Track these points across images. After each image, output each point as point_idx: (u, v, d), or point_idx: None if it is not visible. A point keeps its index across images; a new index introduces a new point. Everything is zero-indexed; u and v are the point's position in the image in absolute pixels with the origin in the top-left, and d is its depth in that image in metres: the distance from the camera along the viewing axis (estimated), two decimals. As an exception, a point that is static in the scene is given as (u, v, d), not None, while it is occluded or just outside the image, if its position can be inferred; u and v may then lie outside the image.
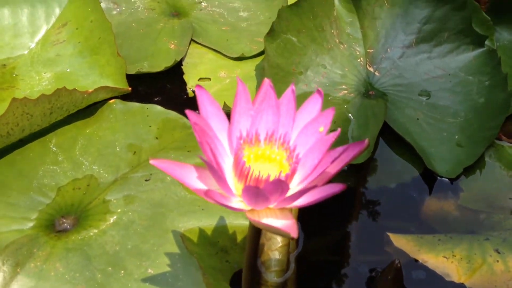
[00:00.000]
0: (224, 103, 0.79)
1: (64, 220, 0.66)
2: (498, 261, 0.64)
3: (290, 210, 0.44)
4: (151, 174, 0.71)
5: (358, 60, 0.87)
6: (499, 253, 0.65)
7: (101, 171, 0.72)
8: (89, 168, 0.72)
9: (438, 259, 0.65)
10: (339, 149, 0.42)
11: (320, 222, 0.71)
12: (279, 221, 0.42)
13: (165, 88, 0.86)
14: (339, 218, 0.72)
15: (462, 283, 0.61)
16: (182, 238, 0.64)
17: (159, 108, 0.79)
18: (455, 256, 0.65)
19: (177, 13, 0.96)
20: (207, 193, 0.40)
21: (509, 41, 0.90)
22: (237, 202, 0.43)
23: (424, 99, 0.82)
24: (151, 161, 0.43)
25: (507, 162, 0.76)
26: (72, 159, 0.73)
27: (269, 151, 0.46)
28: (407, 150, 0.77)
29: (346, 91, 0.84)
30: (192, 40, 0.92)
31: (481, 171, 0.75)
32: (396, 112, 0.81)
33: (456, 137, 0.78)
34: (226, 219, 0.67)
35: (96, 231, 0.65)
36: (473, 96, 0.81)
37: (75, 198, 0.69)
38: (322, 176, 0.43)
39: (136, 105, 0.80)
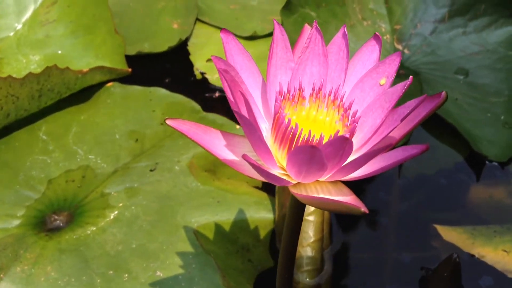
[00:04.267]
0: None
1: (56, 217, 0.56)
2: None
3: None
4: (156, 164, 0.61)
5: (384, 37, 0.78)
6: None
7: (99, 161, 0.62)
8: (84, 157, 0.62)
9: (497, 253, 0.55)
10: (410, 103, 0.32)
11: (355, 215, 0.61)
12: (338, 196, 0.32)
13: (170, 70, 0.77)
14: (376, 210, 0.62)
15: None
16: (195, 235, 0.54)
17: (163, 91, 0.70)
18: (516, 249, 0.56)
19: (179, -9, 0.87)
20: (244, 156, 0.30)
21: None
22: (279, 175, 0.34)
23: (462, 77, 0.73)
24: (167, 121, 0.33)
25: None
26: (65, 148, 0.63)
27: (315, 111, 0.36)
28: (447, 133, 0.68)
29: (372, 71, 0.74)
30: (197, 19, 0.82)
31: (536, 153, 0.66)
32: (431, 92, 0.71)
33: (502, 117, 0.68)
34: (246, 212, 0.58)
35: (94, 228, 0.55)
36: (516, 72, 0.72)
37: (69, 192, 0.59)
38: (385, 141, 0.34)
39: (137, 88, 0.70)
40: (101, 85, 0.70)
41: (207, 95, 0.72)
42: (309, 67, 0.36)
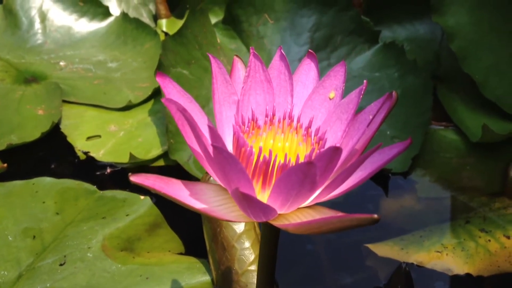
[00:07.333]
0: (131, 154, 0.65)
1: None
2: (489, 240, 0.58)
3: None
4: (65, 256, 0.55)
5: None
6: (486, 232, 0.59)
7: (-4, 270, 0.54)
8: (-22, 270, 0.54)
9: (432, 255, 0.57)
10: (371, 107, 0.32)
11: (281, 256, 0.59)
12: (329, 215, 0.30)
13: (50, 157, 0.70)
14: (301, 239, 0.61)
15: (468, 273, 0.54)
16: (135, 320, 0.48)
17: (48, 179, 0.63)
18: (447, 247, 0.57)
19: (33, 78, 0.81)
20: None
21: (392, 38, 0.89)
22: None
23: (339, 105, 0.76)
24: (131, 178, 0.29)
25: (444, 144, 0.72)
26: (-49, 265, 0.54)
27: (272, 140, 0.34)
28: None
29: (256, 116, 0.75)
30: (63, 101, 0.77)
31: (428, 158, 0.70)
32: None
33: (388, 133, 0.72)
34: (180, 281, 0.53)
35: None
36: (387, 90, 0.77)
37: (-29, 313, 0.50)
38: (353, 152, 0.33)
39: (17, 183, 0.63)
40: (-27, 189, 0.62)
41: (98, 173, 0.67)
42: (253, 97, 0.34)
